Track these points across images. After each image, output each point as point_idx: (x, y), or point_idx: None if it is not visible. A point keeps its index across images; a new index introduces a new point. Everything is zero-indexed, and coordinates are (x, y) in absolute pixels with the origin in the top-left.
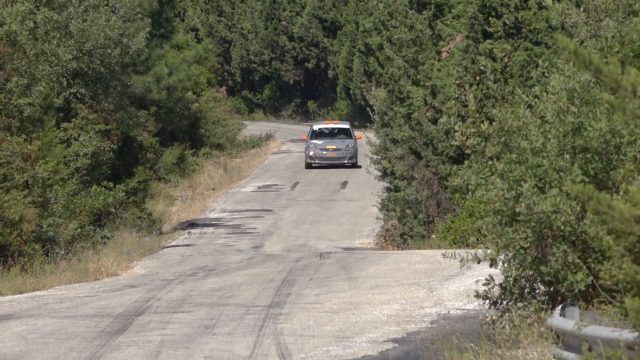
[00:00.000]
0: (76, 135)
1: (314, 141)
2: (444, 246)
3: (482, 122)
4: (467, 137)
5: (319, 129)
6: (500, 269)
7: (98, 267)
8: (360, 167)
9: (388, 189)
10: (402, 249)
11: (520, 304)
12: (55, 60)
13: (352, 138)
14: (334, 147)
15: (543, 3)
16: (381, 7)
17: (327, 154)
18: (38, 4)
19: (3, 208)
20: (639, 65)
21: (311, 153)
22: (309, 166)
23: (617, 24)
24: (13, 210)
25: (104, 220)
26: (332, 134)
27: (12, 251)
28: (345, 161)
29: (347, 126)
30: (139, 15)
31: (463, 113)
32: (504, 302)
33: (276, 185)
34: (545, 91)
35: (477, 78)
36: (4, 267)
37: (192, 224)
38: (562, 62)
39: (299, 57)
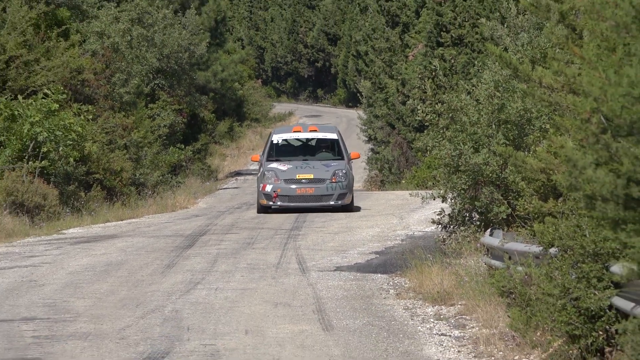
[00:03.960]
0: (158, 113)
1: (273, 165)
2: (410, 188)
3: (436, 104)
4: (426, 114)
5: (284, 141)
6: (449, 204)
7: (174, 202)
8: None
9: (372, 150)
10: (382, 190)
11: (462, 228)
12: (144, 62)
13: (343, 158)
14: (310, 176)
15: (477, 22)
16: (367, 25)
17: (298, 190)
18: (133, 23)
19: (110, 162)
20: (543, 63)
21: (268, 188)
22: (262, 210)
23: (529, 35)
24: (116, 163)
25: (178, 171)
26: (306, 149)
27: (116, 192)
28: (332, 202)
29: (334, 136)
30: (201, 30)
31: (423, 97)
32: (451, 227)
33: None
34: (480, 82)
35: (433, 73)
36: (110, 203)
37: (238, 173)
38: (491, 62)
39: (311, 59)
